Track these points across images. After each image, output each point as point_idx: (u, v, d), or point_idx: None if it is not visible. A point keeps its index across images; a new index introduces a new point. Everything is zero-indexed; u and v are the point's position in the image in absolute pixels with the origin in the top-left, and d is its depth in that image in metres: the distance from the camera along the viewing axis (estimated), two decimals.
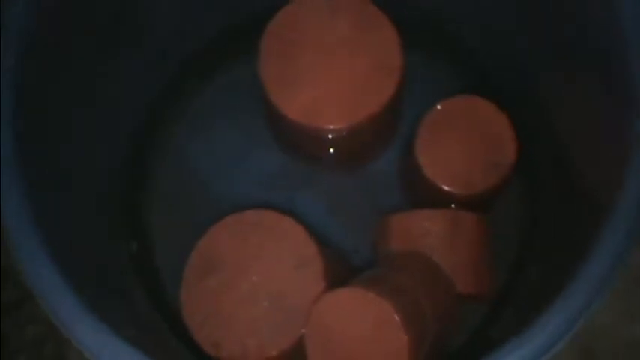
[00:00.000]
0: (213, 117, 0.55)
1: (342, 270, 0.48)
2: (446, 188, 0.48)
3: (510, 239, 0.52)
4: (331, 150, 0.53)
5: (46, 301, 0.36)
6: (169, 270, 0.51)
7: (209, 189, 0.54)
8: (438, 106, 0.49)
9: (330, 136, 0.49)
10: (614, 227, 0.36)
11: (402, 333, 0.40)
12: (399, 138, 0.54)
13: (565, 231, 0.46)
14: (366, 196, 0.54)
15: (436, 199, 0.49)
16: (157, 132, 0.55)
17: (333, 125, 0.48)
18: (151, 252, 0.53)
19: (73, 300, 0.36)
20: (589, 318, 0.36)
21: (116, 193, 0.52)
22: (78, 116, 0.45)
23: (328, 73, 0.49)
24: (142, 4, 0.49)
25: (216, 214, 0.48)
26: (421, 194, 0.51)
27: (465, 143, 0.49)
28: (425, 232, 0.47)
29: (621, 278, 0.54)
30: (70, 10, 0.43)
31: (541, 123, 0.50)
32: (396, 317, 0.40)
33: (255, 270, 0.46)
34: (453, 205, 0.49)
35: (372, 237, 0.51)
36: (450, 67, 0.55)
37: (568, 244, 0.42)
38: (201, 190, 0.54)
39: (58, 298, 0.36)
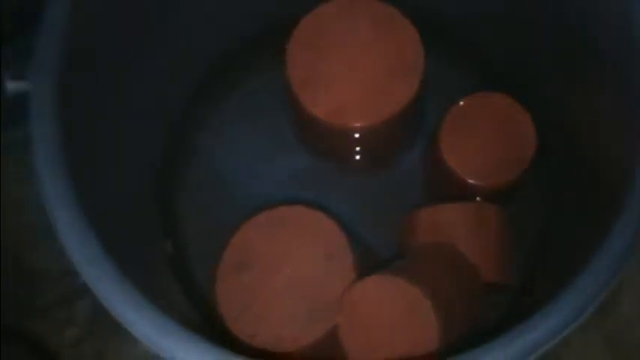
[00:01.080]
0: (241, 121, 0.57)
1: (370, 263, 0.50)
2: (470, 181, 0.49)
3: (530, 232, 0.53)
4: (357, 149, 0.54)
5: (98, 290, 0.37)
6: (203, 268, 0.52)
7: (238, 190, 0.55)
8: (461, 103, 0.51)
9: (356, 135, 0.51)
10: (627, 216, 0.38)
11: (433, 318, 0.41)
12: (421, 135, 0.55)
13: (582, 225, 0.46)
14: (392, 194, 0.55)
15: (460, 193, 0.50)
16: (187, 136, 0.57)
17: (359, 123, 0.50)
18: (184, 251, 0.54)
19: (126, 288, 0.37)
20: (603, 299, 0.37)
21: (148, 194, 0.53)
22: (107, 123, 0.46)
23: (353, 75, 0.50)
24: (170, 15, 0.50)
25: (246, 213, 0.49)
26: (445, 188, 0.52)
27: (487, 138, 0.50)
28: (450, 223, 0.49)
29: None
30: (96, 17, 0.44)
31: (554, 122, 0.51)
32: (427, 302, 0.41)
33: (287, 264, 0.47)
34: (478, 198, 0.50)
35: (399, 231, 0.52)
36: (456, 67, 0.57)
37: (585, 237, 0.43)
38: (230, 191, 0.55)
39: (110, 287, 0.37)
